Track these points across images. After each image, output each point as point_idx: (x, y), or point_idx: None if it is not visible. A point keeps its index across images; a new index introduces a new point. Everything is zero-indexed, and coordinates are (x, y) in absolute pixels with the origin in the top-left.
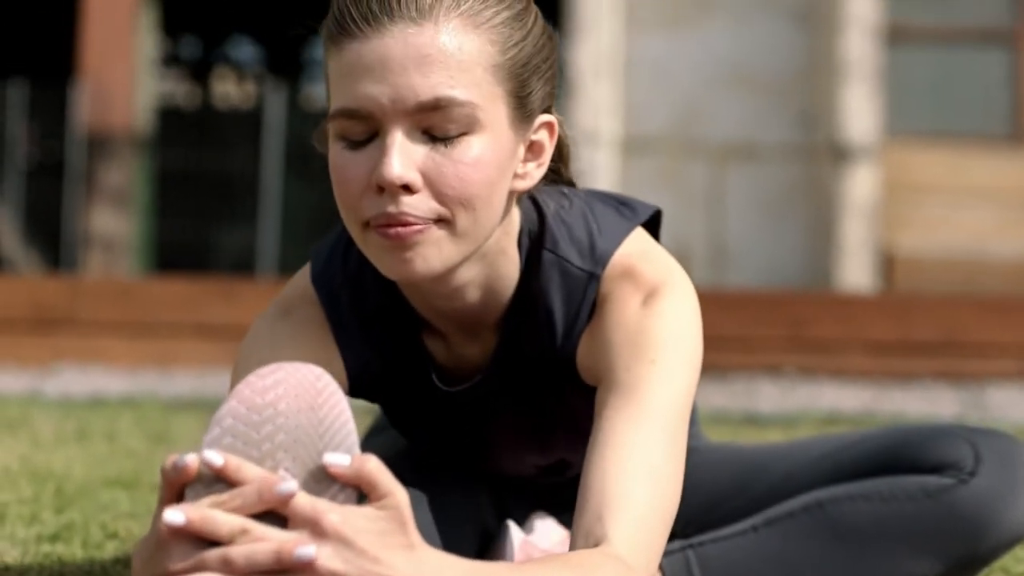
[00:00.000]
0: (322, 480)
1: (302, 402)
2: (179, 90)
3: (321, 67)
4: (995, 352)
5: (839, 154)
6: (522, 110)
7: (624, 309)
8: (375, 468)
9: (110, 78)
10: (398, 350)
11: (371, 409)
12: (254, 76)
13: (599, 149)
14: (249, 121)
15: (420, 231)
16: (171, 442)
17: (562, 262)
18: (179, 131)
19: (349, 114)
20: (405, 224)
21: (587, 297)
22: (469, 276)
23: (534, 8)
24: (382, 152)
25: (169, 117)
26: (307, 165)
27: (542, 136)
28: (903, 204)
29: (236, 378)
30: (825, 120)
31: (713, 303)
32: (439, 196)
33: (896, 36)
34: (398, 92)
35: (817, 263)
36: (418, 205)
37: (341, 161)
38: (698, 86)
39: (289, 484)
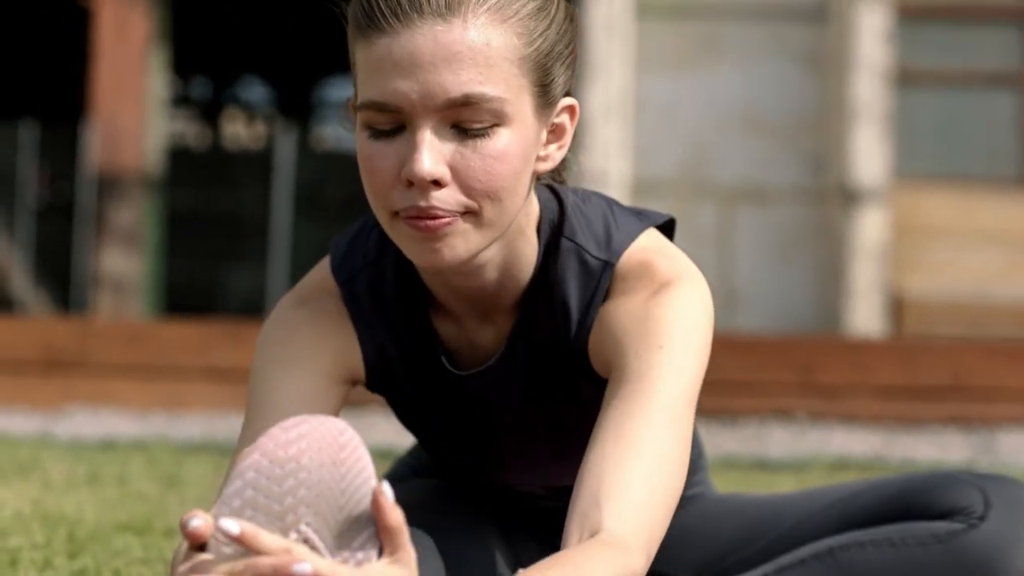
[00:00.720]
0: (342, 535)
1: (324, 456)
2: (189, 130)
3: (338, 87)
4: (1004, 396)
5: (848, 197)
6: (546, 97)
7: (635, 298)
8: (399, 523)
9: (120, 119)
10: (412, 333)
11: (389, 458)
12: (264, 117)
13: (608, 191)
14: (259, 162)
15: (449, 223)
16: (183, 486)
17: (580, 250)
18: (189, 171)
19: (378, 107)
20: (434, 217)
21: (601, 286)
22: (489, 255)
23: None
24: (412, 147)
25: (179, 157)
26: (317, 206)
27: (563, 119)
28: (912, 247)
29: (256, 371)
30: (834, 163)
31: (723, 347)
32: (467, 190)
33: (905, 79)
34: (428, 89)
35: (826, 305)
36: (446, 199)
37: (369, 151)
38: (707, 128)
39: (304, 567)
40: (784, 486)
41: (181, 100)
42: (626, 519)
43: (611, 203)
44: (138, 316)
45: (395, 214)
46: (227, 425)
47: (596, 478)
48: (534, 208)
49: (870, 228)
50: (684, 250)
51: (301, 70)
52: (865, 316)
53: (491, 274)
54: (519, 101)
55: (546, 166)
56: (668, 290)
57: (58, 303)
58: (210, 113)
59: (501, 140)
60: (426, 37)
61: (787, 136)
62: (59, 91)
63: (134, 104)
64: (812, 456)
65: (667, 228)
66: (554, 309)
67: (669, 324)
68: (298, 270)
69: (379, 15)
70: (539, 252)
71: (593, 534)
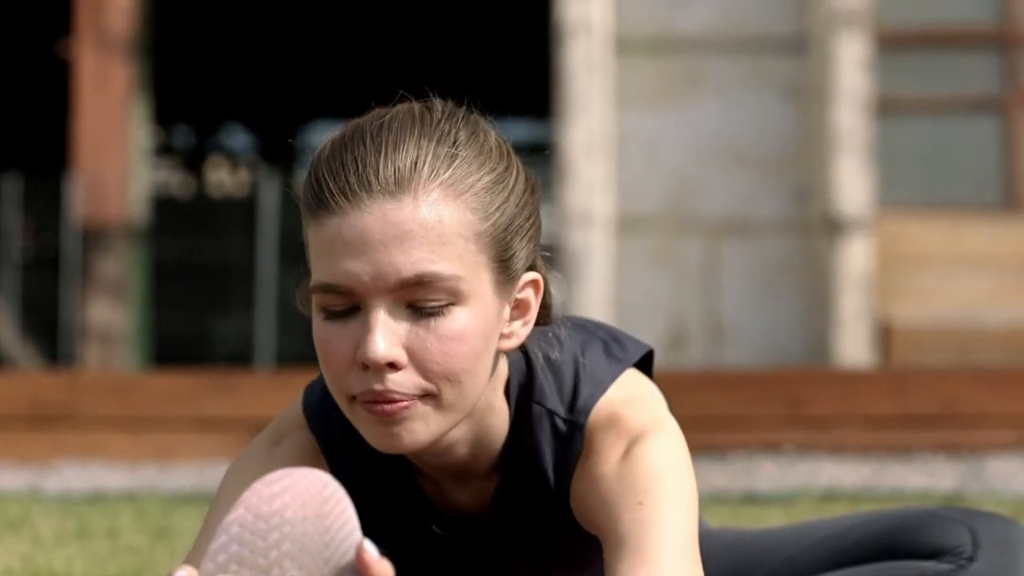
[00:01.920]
0: None
1: (308, 510)
2: (173, 180)
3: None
4: (993, 423)
5: (833, 227)
6: (506, 273)
7: (607, 460)
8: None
9: (104, 170)
10: (393, 493)
11: None
12: (248, 164)
13: (592, 230)
14: (244, 209)
15: (406, 407)
16: (173, 537)
17: (551, 414)
18: (174, 221)
19: (330, 289)
20: (391, 401)
21: (573, 448)
22: (457, 435)
23: (516, 164)
24: (365, 330)
25: (164, 207)
26: (302, 252)
27: (527, 294)
28: (899, 275)
29: (216, 509)
30: (818, 193)
31: (710, 382)
32: (424, 372)
33: (886, 108)
34: (379, 269)
35: (814, 336)
36: (403, 382)
37: (325, 335)
38: (690, 163)
39: None
40: (773, 519)
41: (164, 149)
42: None
43: (585, 345)
44: (126, 367)
45: (353, 398)
46: (217, 475)
47: None
48: (501, 380)
49: (856, 257)
50: (670, 284)
51: (283, 116)
52: (853, 346)
53: (461, 450)
54: (476, 279)
55: (510, 343)
56: (638, 447)
57: (46, 356)
58: (193, 162)
59: (458, 320)
60: (375, 216)
61: (770, 168)
62: (41, 144)
63: (117, 155)
64: (801, 489)
65: (646, 362)
66: (533, 474)
67: (644, 479)
68: (285, 316)
69: (328, 195)
70: (510, 417)
71: None
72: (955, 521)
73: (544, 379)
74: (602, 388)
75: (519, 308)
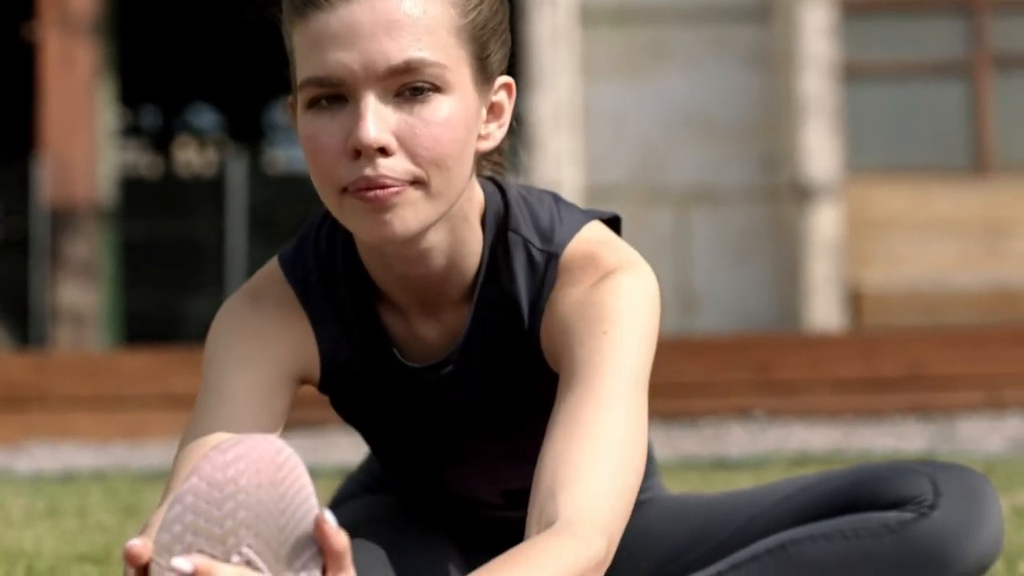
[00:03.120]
0: (284, 556)
1: (263, 477)
2: (141, 160)
3: (286, 61)
4: (962, 384)
5: (801, 194)
6: (483, 72)
7: (579, 287)
8: (343, 546)
9: (71, 152)
10: (361, 327)
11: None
12: (215, 143)
13: None
14: (212, 188)
15: (398, 192)
16: (142, 514)
17: (526, 242)
18: (142, 201)
19: (320, 82)
20: (383, 187)
21: (547, 278)
22: (435, 240)
23: None
24: (356, 117)
25: (132, 187)
26: (271, 229)
27: (501, 97)
28: (867, 240)
29: (209, 364)
30: (786, 160)
31: (680, 349)
32: (414, 157)
33: (852, 73)
34: (369, 57)
35: (784, 303)
36: (394, 167)
37: (313, 129)
38: (657, 133)
39: None
40: (743, 484)
41: (131, 130)
42: (582, 507)
43: (556, 197)
44: (98, 348)
45: (343, 190)
46: None
47: (551, 471)
48: (477, 196)
49: (824, 223)
50: (641, 253)
51: (250, 95)
52: (823, 311)
53: (438, 260)
54: (459, 71)
55: (487, 144)
56: (610, 278)
57: (17, 338)
58: (161, 142)
59: (444, 107)
60: (363, 7)
61: (737, 136)
62: (8, 127)
63: (84, 136)
64: (772, 453)
65: (614, 226)
66: (507, 302)
67: (611, 310)
68: None
69: None
70: (485, 244)
71: (549, 526)
72: (916, 472)
73: (520, 211)
74: (578, 226)
75: (494, 112)
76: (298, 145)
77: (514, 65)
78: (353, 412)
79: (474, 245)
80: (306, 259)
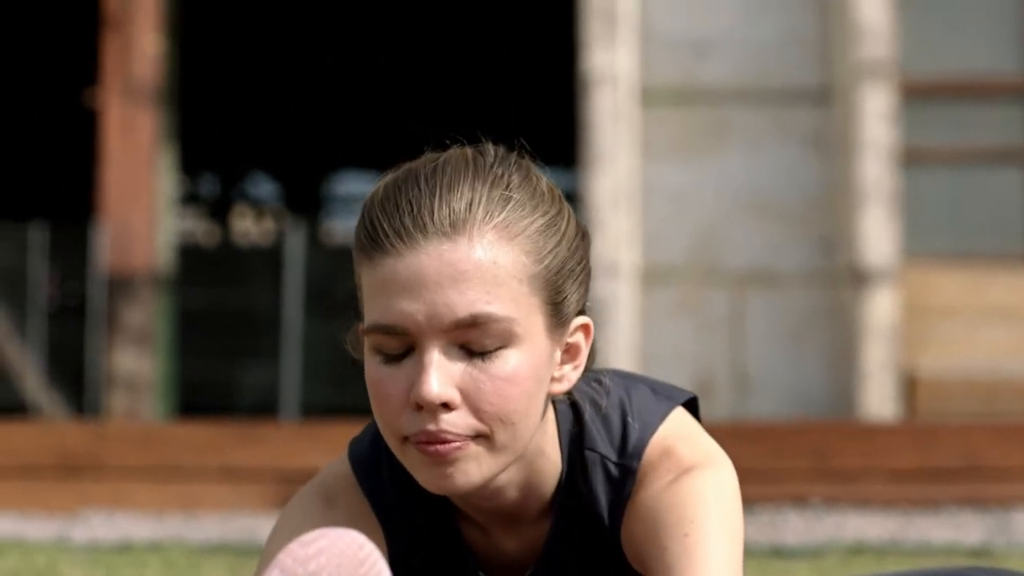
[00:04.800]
0: None
1: (344, 572)
2: (199, 228)
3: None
4: (1018, 476)
5: (858, 278)
6: (558, 317)
7: (657, 488)
8: None
9: (130, 218)
10: (440, 542)
11: None
12: (273, 212)
13: (619, 280)
14: (269, 257)
15: (459, 447)
16: None
17: (603, 459)
18: (199, 269)
19: (385, 330)
20: (444, 442)
21: (626, 491)
22: (508, 478)
23: (567, 209)
24: (420, 370)
25: (189, 255)
26: (328, 301)
27: (578, 338)
28: (923, 325)
29: (266, 558)
30: (843, 244)
31: (736, 434)
32: (477, 413)
33: (911, 158)
34: (434, 310)
35: (839, 388)
36: (457, 422)
37: (378, 376)
38: (715, 214)
39: None
40: (800, 573)
41: (190, 198)
42: None
43: (629, 389)
44: (152, 417)
45: (405, 439)
46: (243, 526)
47: None
48: (551, 426)
49: (881, 308)
50: (696, 335)
51: (308, 165)
52: (878, 397)
53: (511, 493)
54: (529, 321)
55: (561, 387)
56: (688, 476)
57: (72, 405)
58: (219, 210)
59: (511, 361)
60: (431, 256)
61: (795, 219)
62: (68, 192)
63: (143, 203)
64: (828, 542)
65: (691, 407)
66: (587, 520)
67: (691, 509)
68: (311, 365)
69: (383, 236)
70: (563, 466)
71: None
72: None
73: (594, 426)
74: (652, 427)
75: (569, 352)
76: (356, 216)
77: (573, 144)
78: None
79: (550, 472)
80: (380, 465)
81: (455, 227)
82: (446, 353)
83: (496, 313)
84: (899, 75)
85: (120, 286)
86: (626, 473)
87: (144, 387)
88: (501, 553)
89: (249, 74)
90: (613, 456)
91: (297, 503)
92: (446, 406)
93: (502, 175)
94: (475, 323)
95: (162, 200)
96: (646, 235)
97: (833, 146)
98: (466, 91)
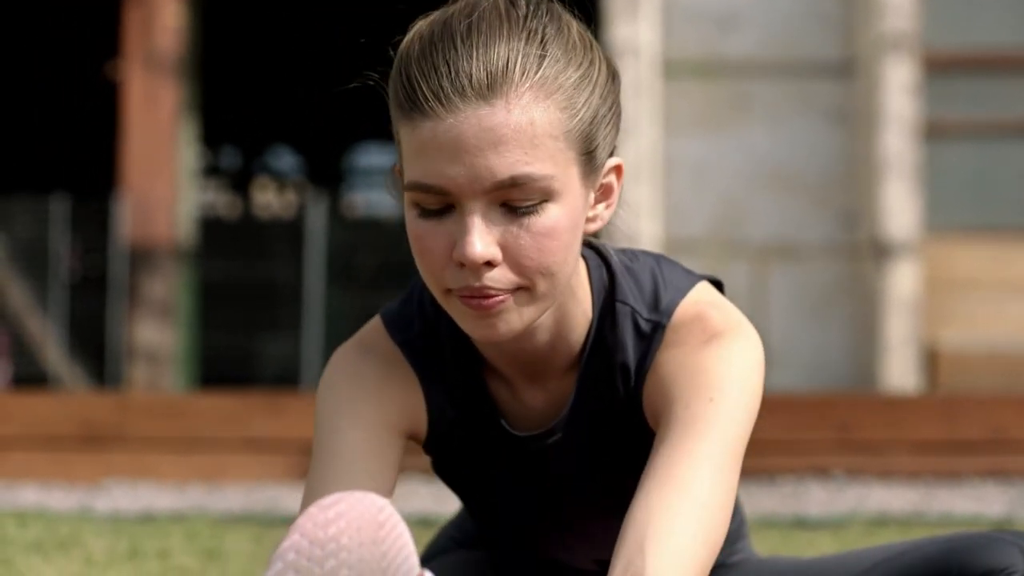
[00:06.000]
0: None
1: (364, 535)
2: (220, 201)
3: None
4: None
5: (880, 251)
6: (592, 163)
7: (687, 349)
8: None
9: (151, 191)
10: (468, 395)
11: (428, 526)
12: (295, 185)
13: None
14: (291, 230)
15: (502, 301)
16: (223, 559)
17: (634, 312)
18: (221, 242)
19: (425, 189)
20: (487, 296)
21: (653, 347)
22: (541, 319)
23: (598, 55)
24: (462, 229)
25: (211, 228)
26: (349, 273)
27: (611, 179)
28: (946, 299)
29: (321, 419)
30: (865, 217)
31: (760, 406)
32: (518, 268)
33: (933, 132)
34: (475, 172)
35: (861, 361)
36: (499, 278)
37: (420, 231)
38: (738, 187)
39: None
40: (823, 544)
41: (211, 170)
42: (670, 564)
43: (658, 259)
44: (173, 388)
45: (448, 291)
46: (266, 497)
47: (641, 524)
48: (582, 268)
49: (903, 282)
50: None
51: (330, 138)
52: (900, 370)
53: (543, 336)
54: (566, 175)
55: (595, 226)
56: (719, 341)
57: (93, 377)
58: (241, 183)
59: (550, 216)
60: (470, 122)
61: (817, 192)
62: (89, 164)
63: (165, 176)
64: (850, 513)
65: (716, 288)
66: (613, 372)
67: (720, 376)
68: (332, 338)
69: (421, 99)
70: (594, 316)
71: None
72: (1007, 543)
73: (625, 280)
74: (684, 291)
75: (603, 192)
76: (377, 188)
77: None
78: (454, 475)
79: (580, 317)
80: (411, 321)
81: (492, 89)
82: (487, 212)
83: (535, 172)
84: (922, 48)
85: (142, 258)
86: (655, 329)
87: (165, 359)
88: (526, 408)
89: (271, 46)
90: (644, 312)
91: (337, 357)
92: (489, 264)
93: (536, 29)
94: (515, 184)
95: (184, 172)
96: (668, 208)
97: (856, 119)
98: None
